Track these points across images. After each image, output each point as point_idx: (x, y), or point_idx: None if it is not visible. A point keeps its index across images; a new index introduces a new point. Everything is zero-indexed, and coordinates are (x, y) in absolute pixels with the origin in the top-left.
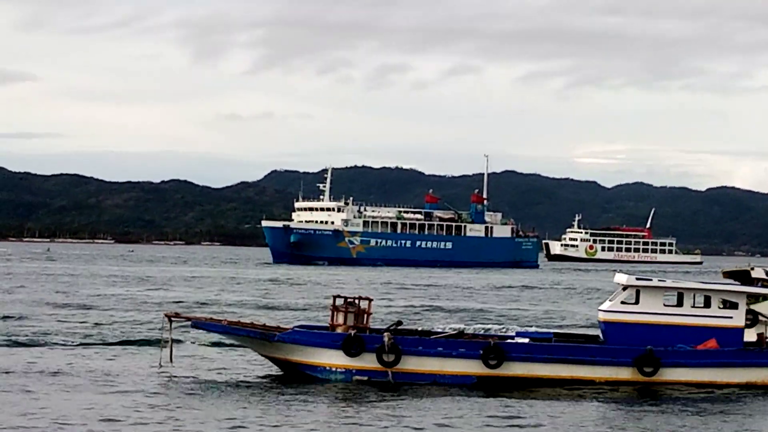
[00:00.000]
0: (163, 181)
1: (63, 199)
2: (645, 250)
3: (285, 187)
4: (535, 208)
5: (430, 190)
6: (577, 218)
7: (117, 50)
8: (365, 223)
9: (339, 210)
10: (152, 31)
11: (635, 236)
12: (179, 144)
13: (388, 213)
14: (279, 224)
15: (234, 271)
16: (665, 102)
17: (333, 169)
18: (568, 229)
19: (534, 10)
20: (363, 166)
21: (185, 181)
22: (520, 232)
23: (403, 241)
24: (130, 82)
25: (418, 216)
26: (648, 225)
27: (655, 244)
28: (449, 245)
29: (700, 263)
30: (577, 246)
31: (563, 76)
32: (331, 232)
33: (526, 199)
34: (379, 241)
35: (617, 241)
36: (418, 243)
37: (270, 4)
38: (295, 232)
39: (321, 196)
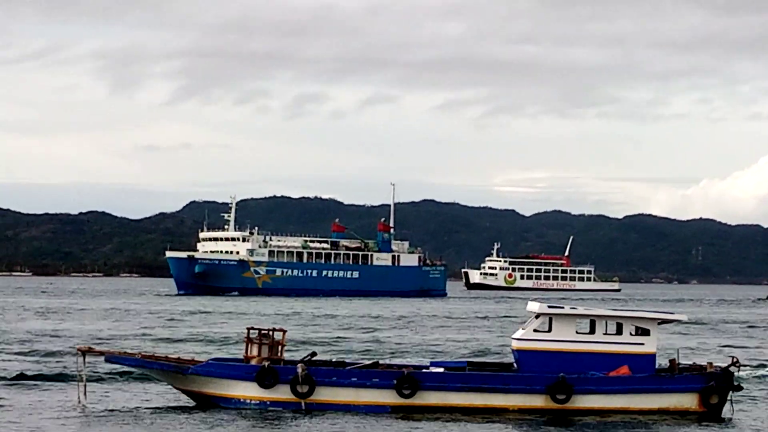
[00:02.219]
0: (81, 213)
1: None
2: (564, 278)
3: (204, 218)
4: (455, 237)
5: (336, 219)
6: (496, 247)
7: (33, 82)
8: (271, 253)
9: (244, 240)
10: (68, 62)
11: (554, 264)
12: (97, 175)
13: (294, 242)
14: (183, 255)
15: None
16: (581, 130)
17: (252, 199)
18: (487, 258)
19: (449, 39)
20: (282, 196)
21: (103, 213)
22: (428, 261)
23: (309, 271)
24: (47, 113)
25: (324, 245)
26: (566, 253)
27: (574, 272)
28: (356, 274)
29: (619, 290)
30: (496, 274)
31: (480, 105)
32: (236, 262)
33: (446, 228)
34: (285, 270)
35: (536, 269)
36: (324, 272)
37: (187, 35)
38: (200, 263)
39: (226, 226)
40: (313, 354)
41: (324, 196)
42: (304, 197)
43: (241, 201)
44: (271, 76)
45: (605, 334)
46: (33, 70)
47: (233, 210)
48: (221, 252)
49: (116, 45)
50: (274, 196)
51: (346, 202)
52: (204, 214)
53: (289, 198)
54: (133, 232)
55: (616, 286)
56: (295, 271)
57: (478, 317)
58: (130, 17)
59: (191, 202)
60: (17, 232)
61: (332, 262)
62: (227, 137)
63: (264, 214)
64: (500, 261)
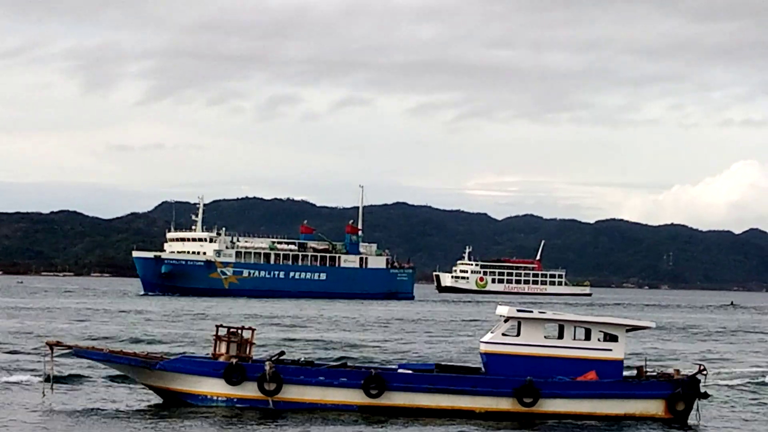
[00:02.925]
0: (52, 212)
1: None
2: (535, 282)
3: (176, 218)
4: (427, 240)
5: (305, 221)
6: (467, 250)
7: (6, 80)
8: (238, 254)
9: (211, 240)
10: (42, 61)
11: (525, 268)
12: (69, 174)
13: (261, 243)
14: (150, 255)
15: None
16: (554, 135)
17: (224, 200)
18: (459, 261)
19: (424, 42)
20: (254, 198)
21: (75, 212)
22: (395, 263)
23: (276, 272)
24: (19, 111)
25: (292, 247)
26: (538, 257)
27: (545, 275)
28: (323, 276)
29: (590, 295)
30: (467, 278)
31: (453, 109)
32: (203, 263)
33: (418, 231)
34: (252, 271)
35: (507, 272)
36: (291, 274)
37: (161, 35)
38: (166, 263)
39: (193, 227)
40: (281, 353)
41: (296, 198)
42: (276, 198)
43: (213, 202)
44: (245, 77)
45: (573, 339)
46: (5, 68)
47: (201, 210)
48: (188, 252)
49: (90, 44)
50: (246, 198)
51: (318, 204)
52: (177, 214)
53: (261, 199)
54: (104, 232)
55: (587, 290)
56: (263, 273)
57: (446, 320)
58: (104, 17)
59: (163, 203)
60: None
61: (300, 263)
62: (200, 138)
63: (236, 214)
64: (472, 264)
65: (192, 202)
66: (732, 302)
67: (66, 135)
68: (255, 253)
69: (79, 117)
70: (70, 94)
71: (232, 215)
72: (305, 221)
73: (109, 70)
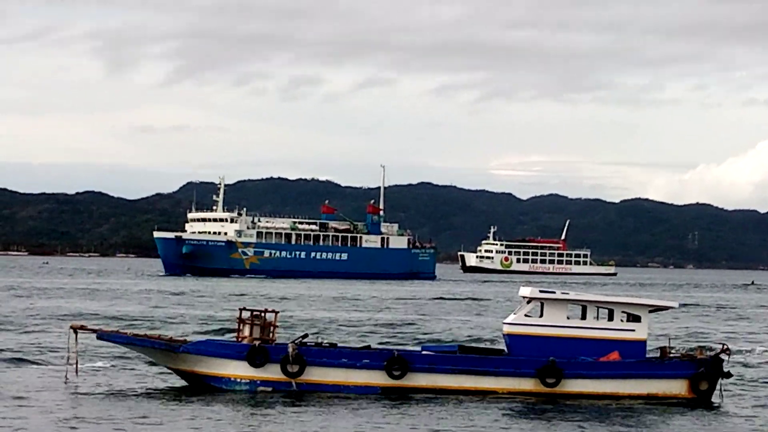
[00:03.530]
0: (77, 193)
1: None
2: (560, 262)
3: (200, 199)
4: (451, 220)
5: (326, 201)
6: (492, 230)
7: (30, 62)
8: (259, 234)
9: (232, 221)
10: (65, 43)
11: (550, 248)
12: (94, 156)
13: (283, 224)
14: (171, 235)
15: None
16: (578, 114)
17: (249, 180)
18: (484, 241)
19: (446, 23)
20: (279, 178)
21: (100, 193)
22: (417, 243)
23: (297, 252)
24: (44, 93)
25: (313, 227)
26: (563, 237)
27: (570, 255)
28: (345, 256)
29: (614, 274)
30: (492, 258)
31: (476, 89)
32: (224, 243)
33: (442, 211)
34: (273, 252)
35: (532, 252)
36: (312, 254)
37: (183, 16)
38: (187, 243)
39: (214, 207)
40: (305, 335)
41: (321, 178)
42: (301, 179)
43: (238, 182)
44: (268, 58)
45: (596, 319)
46: (29, 50)
47: (222, 191)
48: (209, 233)
49: (112, 26)
50: (271, 178)
51: (343, 184)
52: (201, 195)
53: (286, 180)
54: (129, 213)
55: (612, 270)
56: (283, 253)
57: (468, 300)
58: None
59: (187, 183)
60: (14, 212)
61: (321, 243)
62: (224, 119)
63: (261, 195)
64: (496, 244)
65: (217, 182)
66: (753, 281)
67: (90, 116)
68: (276, 233)
69: (103, 98)
70: (94, 75)
71: (257, 196)
72: (327, 201)
73: (132, 52)
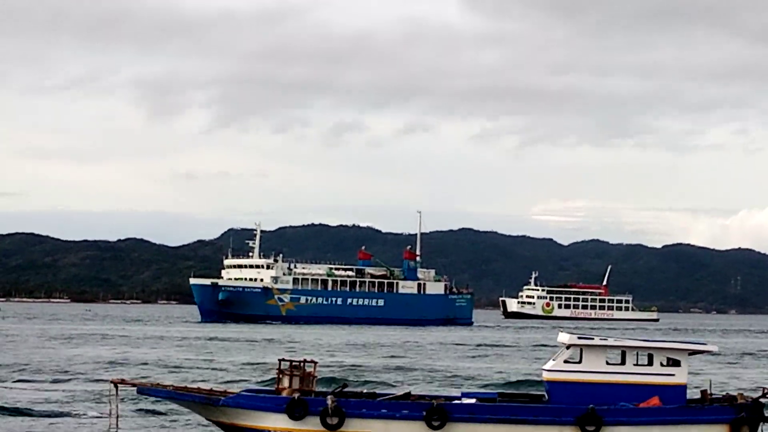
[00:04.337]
0: (119, 240)
1: (18, 258)
2: (602, 307)
3: (242, 246)
4: (493, 266)
5: (363, 247)
6: (533, 275)
7: (72, 109)
8: (295, 281)
9: (268, 267)
10: (107, 90)
11: (592, 293)
12: (135, 203)
13: (319, 270)
14: (207, 282)
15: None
16: (618, 160)
17: (290, 227)
18: (525, 287)
19: (486, 68)
20: (320, 224)
21: (142, 240)
22: (454, 289)
23: (333, 299)
24: (86, 141)
25: (350, 273)
26: (605, 282)
27: (612, 301)
28: (381, 302)
29: (657, 320)
30: (533, 303)
31: (517, 135)
32: (260, 290)
33: (483, 257)
34: (310, 298)
35: (574, 298)
36: (349, 300)
37: (224, 63)
38: (223, 290)
39: (251, 253)
40: (344, 385)
41: (361, 224)
42: (341, 225)
43: (279, 229)
44: (309, 104)
45: (636, 365)
46: (72, 98)
47: (258, 237)
48: (245, 279)
49: (155, 73)
50: (312, 224)
51: (383, 230)
52: (243, 242)
53: (327, 226)
54: (170, 259)
55: (654, 315)
56: (320, 299)
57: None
58: (168, 45)
59: (229, 230)
60: (56, 259)
61: (357, 289)
62: (265, 165)
63: (301, 241)
64: (538, 290)
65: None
66: None
67: (132, 163)
68: (312, 279)
69: (145, 145)
70: (136, 122)
71: (297, 242)
72: (363, 247)
73: (174, 99)
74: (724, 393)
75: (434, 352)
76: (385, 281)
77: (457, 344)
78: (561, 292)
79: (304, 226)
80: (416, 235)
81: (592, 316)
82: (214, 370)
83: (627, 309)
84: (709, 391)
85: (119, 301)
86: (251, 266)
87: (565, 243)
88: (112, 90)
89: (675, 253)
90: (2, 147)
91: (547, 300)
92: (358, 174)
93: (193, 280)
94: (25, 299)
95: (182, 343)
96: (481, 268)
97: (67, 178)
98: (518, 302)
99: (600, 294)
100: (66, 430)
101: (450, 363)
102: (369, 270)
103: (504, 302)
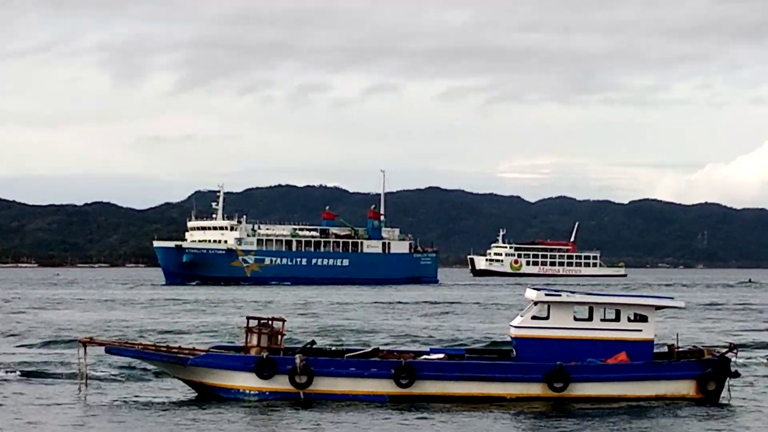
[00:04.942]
0: (86, 204)
1: None
2: (569, 264)
3: (209, 208)
4: (460, 224)
5: (327, 207)
6: (501, 233)
7: (38, 74)
8: (259, 242)
9: (232, 229)
10: (73, 54)
11: (559, 250)
12: (102, 166)
13: (283, 231)
14: (171, 244)
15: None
16: (584, 116)
17: (257, 188)
18: (493, 244)
19: (452, 28)
20: (287, 185)
21: (108, 203)
22: (419, 248)
23: (298, 259)
24: (52, 105)
25: (314, 233)
26: (572, 239)
27: (580, 257)
28: (346, 262)
29: (624, 275)
30: (502, 261)
31: (483, 93)
32: (224, 251)
33: (451, 215)
34: (274, 259)
35: (542, 255)
36: (314, 260)
37: (190, 26)
38: (187, 252)
39: (214, 215)
40: (313, 342)
41: (329, 185)
42: (309, 185)
43: (246, 190)
44: (275, 66)
45: (603, 320)
46: (38, 62)
47: (221, 198)
48: (209, 241)
49: (120, 37)
50: (279, 185)
51: (351, 190)
52: (210, 204)
53: (295, 186)
54: (138, 222)
55: (622, 271)
56: (284, 260)
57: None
58: (133, 9)
59: (196, 192)
60: (23, 224)
61: (322, 250)
62: (232, 127)
63: (269, 203)
64: (506, 247)
65: (225, 191)
66: (750, 279)
67: (98, 127)
68: (276, 240)
69: (111, 109)
70: (102, 86)
71: (265, 203)
72: (327, 207)
73: (139, 62)
74: (691, 347)
75: (399, 311)
76: (350, 241)
77: (421, 302)
78: (529, 249)
79: (271, 187)
80: (388, 194)
81: (560, 272)
82: (179, 333)
83: (595, 265)
84: (676, 346)
85: (87, 265)
86: (215, 228)
87: (533, 200)
88: (78, 54)
89: (641, 208)
90: None
91: (515, 257)
92: (325, 134)
93: (156, 243)
94: None
95: (147, 305)
96: (449, 226)
97: (33, 142)
98: (486, 260)
99: (568, 251)
100: (36, 390)
101: (415, 322)
102: (333, 230)
103: (472, 260)
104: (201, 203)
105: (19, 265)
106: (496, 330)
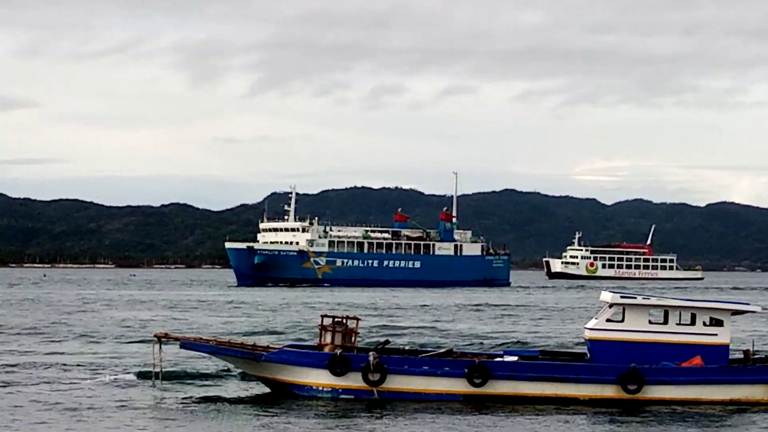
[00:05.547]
0: (163, 205)
1: (63, 225)
2: (645, 267)
3: (284, 210)
4: (536, 226)
5: (399, 209)
6: (577, 236)
7: (115, 75)
8: (331, 243)
9: (304, 230)
10: (149, 55)
11: (636, 253)
12: (178, 167)
13: (355, 232)
14: (243, 245)
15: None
16: (661, 118)
17: (333, 190)
18: (569, 247)
19: (527, 29)
20: (362, 187)
21: (185, 205)
22: (491, 250)
23: (369, 261)
24: (128, 106)
25: (386, 235)
26: (648, 241)
27: (656, 260)
28: (417, 264)
29: (701, 279)
30: (577, 263)
31: (558, 95)
32: (295, 253)
33: (527, 217)
34: (346, 261)
35: (618, 258)
36: (385, 262)
37: (265, 27)
38: (259, 254)
39: (286, 217)
40: (386, 342)
41: (405, 187)
42: (384, 188)
43: (322, 192)
44: (350, 67)
45: (678, 324)
46: (115, 63)
47: (293, 200)
48: (281, 243)
49: (196, 38)
50: (355, 187)
51: (426, 192)
52: (284, 206)
53: (370, 188)
54: (214, 224)
55: (698, 274)
56: (356, 262)
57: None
58: (209, 10)
59: (272, 194)
60: (100, 225)
61: (393, 252)
62: (307, 129)
63: (344, 204)
64: (581, 250)
65: (301, 192)
66: None
67: (174, 129)
68: (348, 242)
69: (187, 110)
70: (178, 88)
71: (340, 205)
72: (400, 209)
73: (215, 64)
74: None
75: (471, 313)
76: (422, 243)
77: (493, 305)
78: (605, 252)
79: (346, 189)
80: (462, 196)
81: (636, 275)
82: (254, 332)
83: (671, 268)
84: (752, 351)
85: (163, 266)
86: (287, 230)
87: (608, 203)
88: (154, 55)
89: (719, 211)
90: (46, 113)
91: (591, 260)
92: (400, 136)
93: (228, 244)
94: (69, 265)
95: (220, 306)
96: (524, 228)
97: (110, 144)
98: (562, 262)
99: (644, 254)
100: (113, 386)
101: (487, 324)
102: (405, 232)
103: (548, 263)
104: (276, 205)
105: (96, 266)
106: (570, 333)
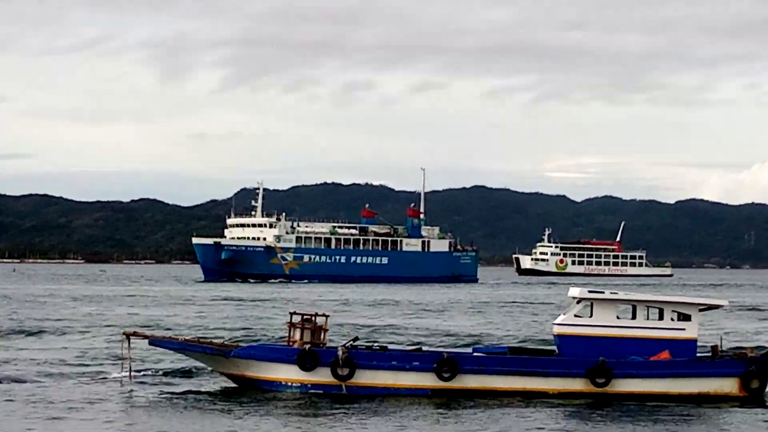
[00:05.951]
0: (132, 201)
1: (32, 220)
2: (615, 264)
3: (252, 205)
4: (506, 223)
5: (366, 205)
6: (547, 232)
7: (84, 71)
8: (298, 239)
9: (271, 226)
10: (119, 51)
11: (605, 249)
12: (148, 163)
13: (322, 228)
14: (210, 241)
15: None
16: (630, 116)
17: (303, 186)
18: (538, 244)
19: (497, 26)
20: (333, 183)
21: (155, 200)
22: (458, 246)
23: (337, 257)
24: (98, 102)
25: (353, 231)
26: (618, 238)
27: (626, 257)
28: (385, 260)
29: (671, 275)
30: (547, 260)
31: (528, 91)
32: (263, 249)
33: (497, 214)
34: (313, 257)
35: (587, 254)
36: (352, 258)
37: (235, 23)
38: (226, 249)
39: (253, 212)
40: (356, 339)
41: (374, 183)
42: (355, 183)
43: (292, 188)
44: (320, 63)
45: (646, 319)
46: (84, 59)
47: (260, 196)
48: (248, 238)
49: (166, 34)
50: (325, 183)
51: (396, 188)
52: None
53: (340, 185)
54: (184, 219)
55: (668, 271)
56: (323, 258)
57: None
58: (179, 6)
59: (242, 189)
60: (70, 220)
61: (361, 248)
62: (277, 125)
63: (314, 200)
64: (551, 247)
65: (271, 188)
66: None
67: (144, 124)
68: (315, 237)
69: (157, 106)
70: (147, 83)
71: (310, 200)
72: (367, 205)
73: (185, 59)
74: (735, 349)
75: (439, 310)
76: (389, 239)
77: (460, 301)
78: (574, 249)
79: (317, 185)
80: (431, 192)
81: (606, 272)
82: (217, 329)
83: (641, 265)
84: (719, 346)
85: (133, 262)
86: (254, 225)
87: (578, 199)
88: (124, 51)
89: (688, 208)
90: (14, 108)
91: (561, 257)
92: (371, 133)
93: (195, 240)
94: (39, 260)
95: (185, 302)
96: (494, 225)
97: (80, 139)
98: (532, 259)
99: (614, 250)
100: (80, 384)
101: (456, 321)
102: (372, 228)
103: (517, 259)
104: (246, 200)
105: (66, 261)
106: (539, 329)
